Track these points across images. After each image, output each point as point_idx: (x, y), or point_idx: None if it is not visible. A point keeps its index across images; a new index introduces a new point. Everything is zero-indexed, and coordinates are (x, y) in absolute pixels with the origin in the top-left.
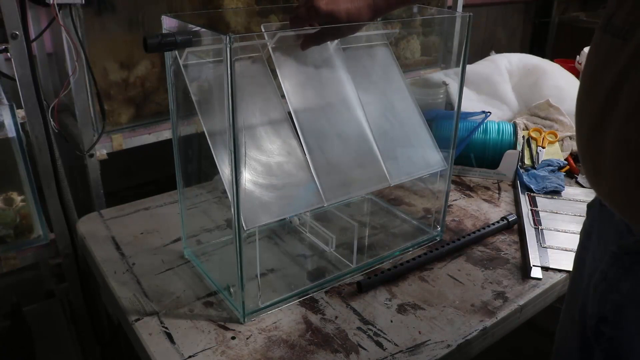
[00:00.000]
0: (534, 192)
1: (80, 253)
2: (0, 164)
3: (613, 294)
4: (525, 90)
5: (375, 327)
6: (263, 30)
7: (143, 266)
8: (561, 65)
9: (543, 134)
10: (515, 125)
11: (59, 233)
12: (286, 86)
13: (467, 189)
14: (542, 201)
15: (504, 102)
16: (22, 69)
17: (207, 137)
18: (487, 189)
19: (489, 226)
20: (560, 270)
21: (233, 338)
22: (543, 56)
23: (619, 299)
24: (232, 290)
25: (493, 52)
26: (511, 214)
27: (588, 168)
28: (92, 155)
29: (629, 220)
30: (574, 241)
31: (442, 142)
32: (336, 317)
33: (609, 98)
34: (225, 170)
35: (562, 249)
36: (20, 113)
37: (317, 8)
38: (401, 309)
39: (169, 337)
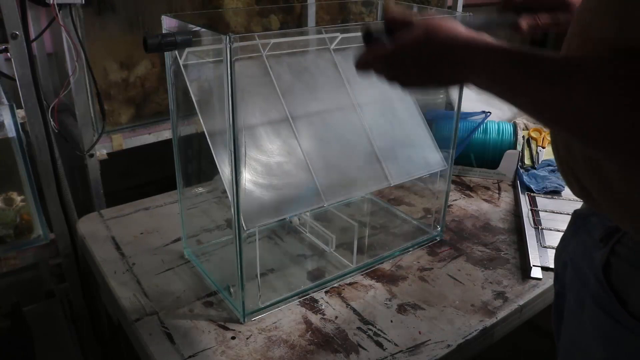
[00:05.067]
0: (534, 192)
1: (80, 253)
2: (0, 164)
3: (563, 254)
4: None
5: (375, 327)
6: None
7: (143, 266)
8: None
9: (543, 134)
10: (515, 125)
11: (59, 233)
12: (281, 92)
13: (467, 189)
14: (542, 201)
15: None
16: (22, 69)
17: (207, 137)
18: (487, 189)
19: None
20: None
21: (233, 338)
22: None
23: (565, 258)
24: (232, 290)
25: None
26: None
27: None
28: (92, 155)
29: None
30: None
31: (442, 142)
32: (336, 317)
33: None
34: (225, 170)
35: None
36: (20, 113)
37: None
38: (401, 309)
39: (169, 337)
